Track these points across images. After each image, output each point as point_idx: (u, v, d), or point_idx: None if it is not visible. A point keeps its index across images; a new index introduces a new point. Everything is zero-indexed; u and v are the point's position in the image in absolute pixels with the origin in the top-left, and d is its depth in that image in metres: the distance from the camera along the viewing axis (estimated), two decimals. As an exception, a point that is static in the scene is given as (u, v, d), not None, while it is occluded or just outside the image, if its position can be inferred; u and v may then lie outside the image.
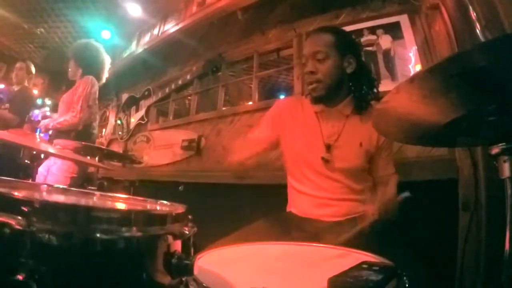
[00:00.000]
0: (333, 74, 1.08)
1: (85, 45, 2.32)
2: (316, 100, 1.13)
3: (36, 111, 2.44)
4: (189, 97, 3.18)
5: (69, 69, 2.30)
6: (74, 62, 2.27)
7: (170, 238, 0.47)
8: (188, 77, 3.02)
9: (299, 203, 1.13)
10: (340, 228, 1.00)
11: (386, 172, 1.13)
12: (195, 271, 0.48)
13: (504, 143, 0.59)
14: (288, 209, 1.18)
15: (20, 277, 0.34)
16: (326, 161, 1.07)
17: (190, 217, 0.55)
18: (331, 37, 1.09)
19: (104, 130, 4.31)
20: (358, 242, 0.83)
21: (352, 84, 1.11)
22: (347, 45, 1.11)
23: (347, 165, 1.07)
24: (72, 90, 2.21)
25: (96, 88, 2.19)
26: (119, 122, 3.89)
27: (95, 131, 2.31)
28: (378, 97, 1.14)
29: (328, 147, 1.08)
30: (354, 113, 1.11)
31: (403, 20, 1.85)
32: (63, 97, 2.24)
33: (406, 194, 0.98)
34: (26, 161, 2.27)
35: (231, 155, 1.18)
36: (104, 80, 2.38)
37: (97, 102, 2.25)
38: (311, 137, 1.12)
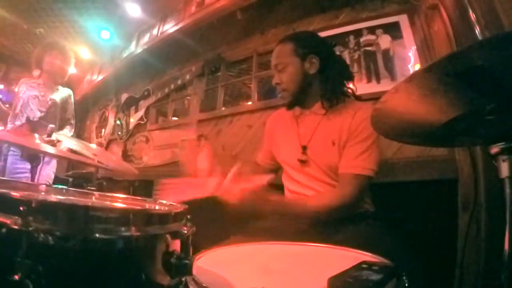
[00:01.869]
0: (294, 80, 1.11)
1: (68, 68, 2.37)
2: (288, 107, 1.18)
3: None
4: (188, 97, 3.18)
5: (66, 70, 2.28)
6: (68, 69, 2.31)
7: (169, 237, 0.47)
8: (188, 77, 3.02)
9: None
10: (330, 224, 1.00)
11: (345, 169, 1.01)
12: (194, 271, 0.48)
13: (503, 143, 0.59)
14: None
15: (16, 277, 0.34)
16: (302, 161, 1.10)
17: (188, 216, 0.55)
18: (289, 46, 1.13)
19: (103, 130, 4.31)
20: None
21: (320, 82, 1.12)
22: (307, 47, 1.12)
23: (321, 164, 1.08)
24: (62, 97, 2.28)
25: None
26: (118, 122, 3.89)
27: None
28: (345, 91, 1.14)
29: (304, 148, 1.11)
30: (329, 112, 1.11)
31: (403, 20, 1.85)
32: (55, 99, 2.23)
33: None
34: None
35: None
36: None
37: None
38: (290, 140, 1.16)
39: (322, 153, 1.07)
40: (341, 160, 1.03)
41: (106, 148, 3.95)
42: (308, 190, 1.09)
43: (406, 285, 0.55)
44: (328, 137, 1.07)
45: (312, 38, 1.20)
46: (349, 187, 0.98)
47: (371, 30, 1.96)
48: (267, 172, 1.29)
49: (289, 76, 1.11)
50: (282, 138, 1.20)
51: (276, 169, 1.28)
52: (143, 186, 2.86)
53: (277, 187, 1.26)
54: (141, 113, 3.56)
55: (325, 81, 1.11)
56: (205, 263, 0.65)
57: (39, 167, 1.58)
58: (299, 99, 1.14)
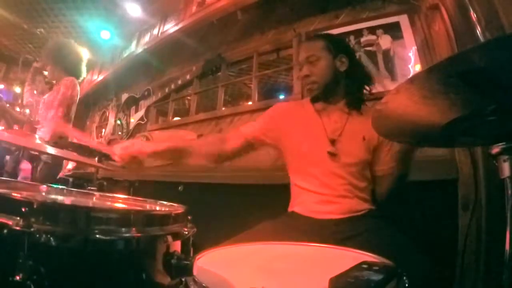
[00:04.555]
0: (326, 73, 1.15)
1: (60, 45, 2.33)
2: (314, 99, 1.20)
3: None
4: (188, 97, 3.18)
5: (47, 72, 2.28)
6: (52, 64, 2.27)
7: (169, 238, 0.47)
8: (188, 77, 3.02)
9: (302, 200, 1.13)
10: (342, 226, 1.00)
11: (387, 165, 1.12)
12: (195, 271, 0.48)
13: (504, 143, 0.59)
14: (290, 209, 1.17)
15: (18, 277, 0.34)
16: (332, 155, 1.09)
17: (189, 217, 0.55)
18: (322, 42, 1.18)
19: (103, 130, 4.31)
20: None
21: (347, 82, 1.17)
22: (338, 46, 1.18)
23: (352, 159, 1.09)
24: (53, 92, 2.24)
25: (77, 90, 2.25)
26: (118, 122, 3.89)
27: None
28: (369, 97, 1.21)
29: (333, 142, 1.11)
30: (355, 110, 1.16)
31: (403, 20, 1.85)
32: (44, 98, 2.23)
33: None
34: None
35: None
36: (85, 74, 2.41)
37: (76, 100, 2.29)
38: (314, 134, 1.14)
39: (353, 147, 1.11)
40: (380, 159, 1.12)
41: (106, 148, 3.95)
42: (326, 189, 1.08)
43: (406, 285, 0.55)
44: (358, 133, 1.11)
45: (340, 40, 1.27)
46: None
47: (372, 30, 1.96)
48: (243, 148, 1.21)
49: (320, 69, 1.14)
50: (303, 133, 1.17)
51: (251, 150, 1.22)
52: (144, 186, 2.86)
53: (281, 186, 1.26)
54: (141, 113, 3.56)
55: (352, 81, 1.16)
56: (206, 263, 0.65)
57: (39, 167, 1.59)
58: (326, 94, 1.16)
